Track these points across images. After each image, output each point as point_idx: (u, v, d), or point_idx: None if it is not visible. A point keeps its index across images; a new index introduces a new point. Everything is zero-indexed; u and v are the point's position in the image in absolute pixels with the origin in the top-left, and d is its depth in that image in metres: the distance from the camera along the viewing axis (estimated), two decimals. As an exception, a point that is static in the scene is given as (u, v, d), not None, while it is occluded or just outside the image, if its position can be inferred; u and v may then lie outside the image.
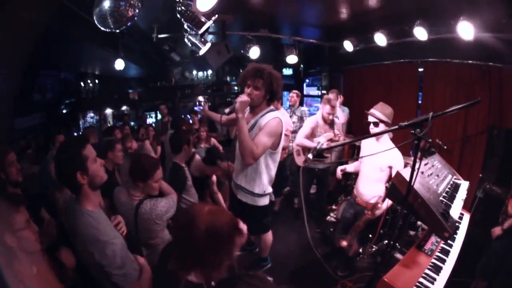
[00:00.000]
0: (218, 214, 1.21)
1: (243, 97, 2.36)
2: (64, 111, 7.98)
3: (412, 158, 1.34)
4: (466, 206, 2.94)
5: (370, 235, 3.12)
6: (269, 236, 3.03)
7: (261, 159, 2.54)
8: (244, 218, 2.98)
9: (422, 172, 2.14)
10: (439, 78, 4.53)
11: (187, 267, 1.21)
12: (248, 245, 3.59)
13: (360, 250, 3.28)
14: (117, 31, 2.58)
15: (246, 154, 2.35)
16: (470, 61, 4.02)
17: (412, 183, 1.34)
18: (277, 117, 2.44)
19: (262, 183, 2.63)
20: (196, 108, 9.08)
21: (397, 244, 2.89)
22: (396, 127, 1.24)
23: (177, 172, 2.95)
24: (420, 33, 3.98)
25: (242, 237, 1.25)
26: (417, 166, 1.35)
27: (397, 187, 1.86)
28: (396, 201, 2.10)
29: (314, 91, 8.35)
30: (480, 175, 3.78)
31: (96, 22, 2.47)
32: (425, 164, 2.35)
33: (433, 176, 2.34)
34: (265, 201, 2.73)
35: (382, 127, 2.76)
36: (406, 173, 1.86)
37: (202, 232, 1.14)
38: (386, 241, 2.82)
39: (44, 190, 3.20)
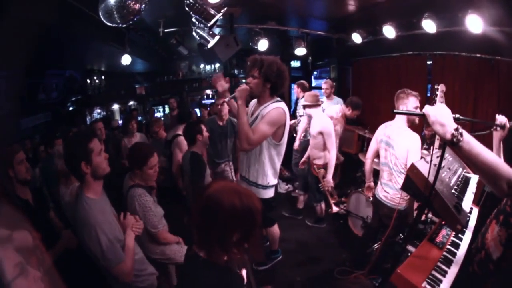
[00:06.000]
0: (253, 197, 1.18)
1: (242, 86, 2.46)
2: (70, 108, 7.99)
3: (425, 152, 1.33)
4: (474, 200, 2.93)
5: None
6: (275, 229, 3.07)
7: (264, 149, 2.58)
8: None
9: (435, 165, 2.13)
10: (448, 71, 4.46)
11: (204, 243, 1.19)
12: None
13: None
14: (123, 26, 2.57)
15: (241, 138, 2.41)
16: (478, 54, 3.95)
17: (432, 182, 1.32)
18: (279, 107, 2.47)
19: (266, 174, 2.66)
20: (204, 102, 9.08)
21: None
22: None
23: (196, 159, 3.05)
24: (429, 25, 3.91)
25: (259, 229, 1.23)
26: (433, 162, 1.33)
27: (411, 179, 1.85)
28: (411, 193, 2.10)
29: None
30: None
31: (102, 18, 2.48)
32: (437, 157, 2.33)
33: (445, 168, 2.32)
34: (269, 193, 2.75)
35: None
36: (420, 165, 1.85)
37: (237, 209, 1.11)
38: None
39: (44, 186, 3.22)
